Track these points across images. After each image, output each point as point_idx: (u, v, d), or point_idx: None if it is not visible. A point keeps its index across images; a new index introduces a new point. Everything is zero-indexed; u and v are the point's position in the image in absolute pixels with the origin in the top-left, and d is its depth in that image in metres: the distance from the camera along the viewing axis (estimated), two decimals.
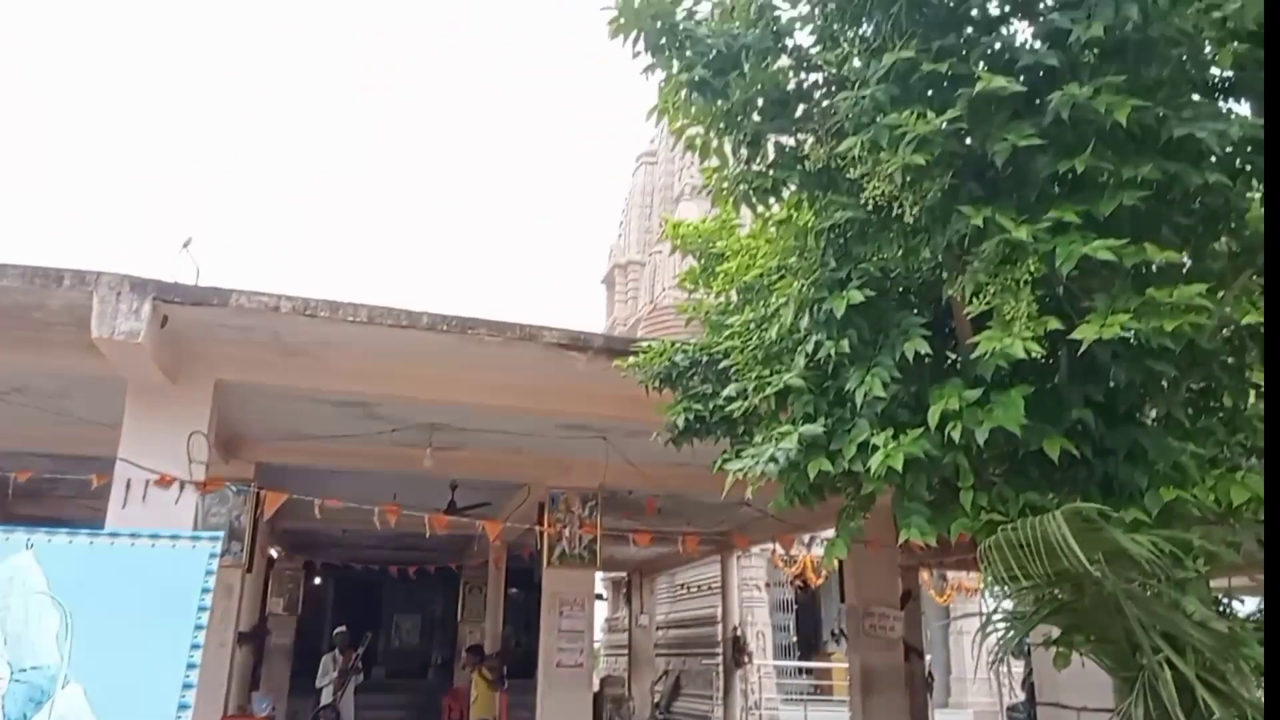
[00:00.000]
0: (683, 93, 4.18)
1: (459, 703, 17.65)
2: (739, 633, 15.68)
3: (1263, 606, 3.97)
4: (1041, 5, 3.79)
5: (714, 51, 4.12)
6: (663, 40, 4.20)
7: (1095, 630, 3.85)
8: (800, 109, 4.55)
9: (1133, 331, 3.31)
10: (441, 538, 16.83)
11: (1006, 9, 3.87)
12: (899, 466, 3.74)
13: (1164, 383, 3.95)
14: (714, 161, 4.74)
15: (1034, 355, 3.23)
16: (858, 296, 4.04)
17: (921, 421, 3.91)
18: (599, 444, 8.86)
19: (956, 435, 3.71)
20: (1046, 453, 3.78)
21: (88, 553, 3.91)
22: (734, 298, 5.72)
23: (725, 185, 4.64)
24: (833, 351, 4.07)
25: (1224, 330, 3.89)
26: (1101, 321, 3.19)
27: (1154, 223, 3.45)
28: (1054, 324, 3.33)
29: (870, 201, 3.73)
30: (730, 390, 4.90)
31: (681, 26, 4.11)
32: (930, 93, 3.73)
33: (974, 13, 3.94)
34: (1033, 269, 3.27)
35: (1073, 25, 3.44)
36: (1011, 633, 4.03)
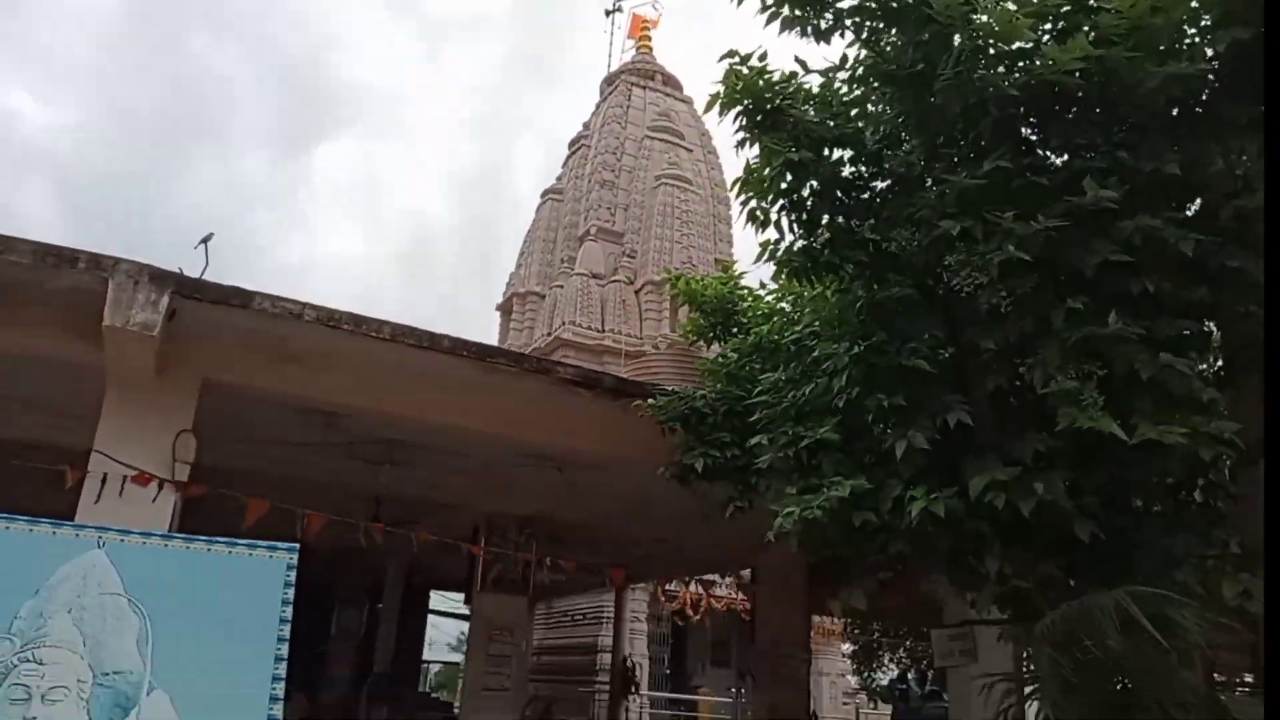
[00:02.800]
0: (779, 170, 4.54)
1: None
2: (629, 662, 15.92)
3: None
4: (1099, 140, 4.36)
5: (813, 135, 4.52)
6: (761, 118, 4.58)
7: (1089, 695, 4.35)
8: (858, 197, 5.03)
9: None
10: (318, 551, 16.36)
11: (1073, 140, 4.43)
12: (941, 514, 4.18)
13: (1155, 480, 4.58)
14: (772, 234, 5.14)
15: (1110, 432, 3.70)
16: (911, 362, 4.47)
17: (950, 487, 4.37)
18: (537, 473, 9.00)
19: (999, 503, 4.18)
20: (1062, 532, 4.33)
21: (160, 556, 3.78)
22: (750, 354, 6.11)
23: (784, 257, 5.05)
24: (885, 404, 4.48)
25: None
26: (1154, 428, 3.74)
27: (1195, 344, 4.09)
28: (1110, 422, 3.85)
29: (943, 290, 4.21)
30: (760, 440, 5.26)
31: (787, 111, 4.50)
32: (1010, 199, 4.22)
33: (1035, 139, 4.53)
34: (1104, 368, 3.81)
35: (1137, 161, 4.03)
36: (1013, 695, 4.53)
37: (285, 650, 3.72)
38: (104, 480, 5.84)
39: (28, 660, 3.40)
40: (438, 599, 22.34)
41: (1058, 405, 3.85)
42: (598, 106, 27.15)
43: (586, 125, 27.08)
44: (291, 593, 3.87)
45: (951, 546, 4.59)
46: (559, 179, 26.96)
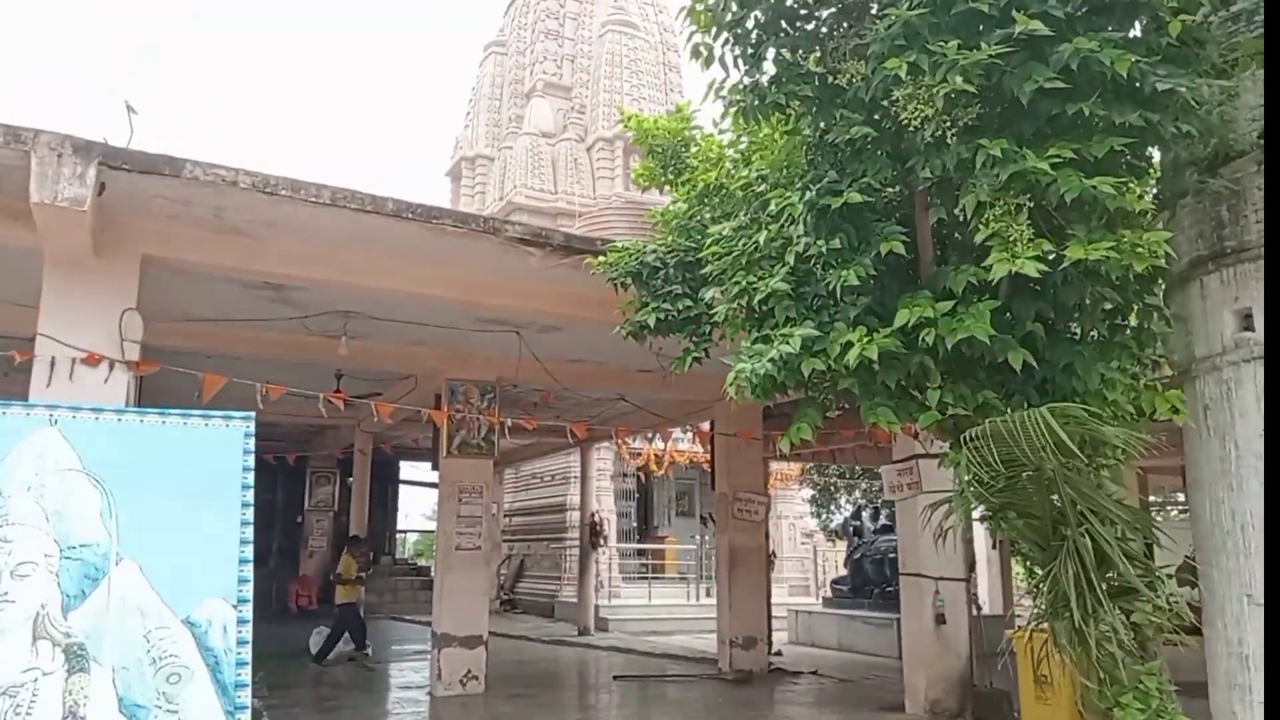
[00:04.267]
0: None
1: (306, 589, 17.62)
2: (597, 518, 16.51)
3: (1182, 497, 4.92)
4: None
5: None
6: None
7: (1023, 509, 4.62)
8: (803, 28, 4.89)
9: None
10: (289, 428, 16.49)
11: None
12: (874, 357, 4.33)
13: (1089, 304, 4.73)
14: (718, 74, 5.00)
15: (1039, 272, 3.82)
16: (856, 197, 4.49)
17: (890, 327, 4.50)
18: (497, 338, 9.04)
19: (930, 340, 4.32)
20: (999, 360, 4.49)
21: (115, 431, 3.79)
22: (699, 202, 6.05)
23: (729, 96, 4.94)
24: (823, 249, 4.53)
25: None
26: (1084, 248, 3.83)
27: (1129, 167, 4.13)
28: (1045, 246, 3.94)
29: (891, 124, 4.16)
30: (712, 294, 5.29)
31: None
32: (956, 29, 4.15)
33: None
34: (1032, 197, 3.86)
35: None
36: (952, 511, 4.80)
37: (250, 515, 3.79)
38: (53, 363, 5.76)
39: None
40: (409, 470, 22.80)
41: (990, 248, 3.91)
42: None
43: None
44: (251, 460, 3.92)
45: (895, 382, 4.74)
46: (501, 31, 25.79)
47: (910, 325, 4.38)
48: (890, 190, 4.85)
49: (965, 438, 4.22)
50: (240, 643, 3.63)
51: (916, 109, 3.96)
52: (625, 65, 22.20)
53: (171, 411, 3.92)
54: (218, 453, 3.87)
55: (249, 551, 3.74)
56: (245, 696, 3.55)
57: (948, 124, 3.95)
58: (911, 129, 4.05)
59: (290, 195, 5.64)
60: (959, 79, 3.76)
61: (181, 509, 3.70)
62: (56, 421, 3.69)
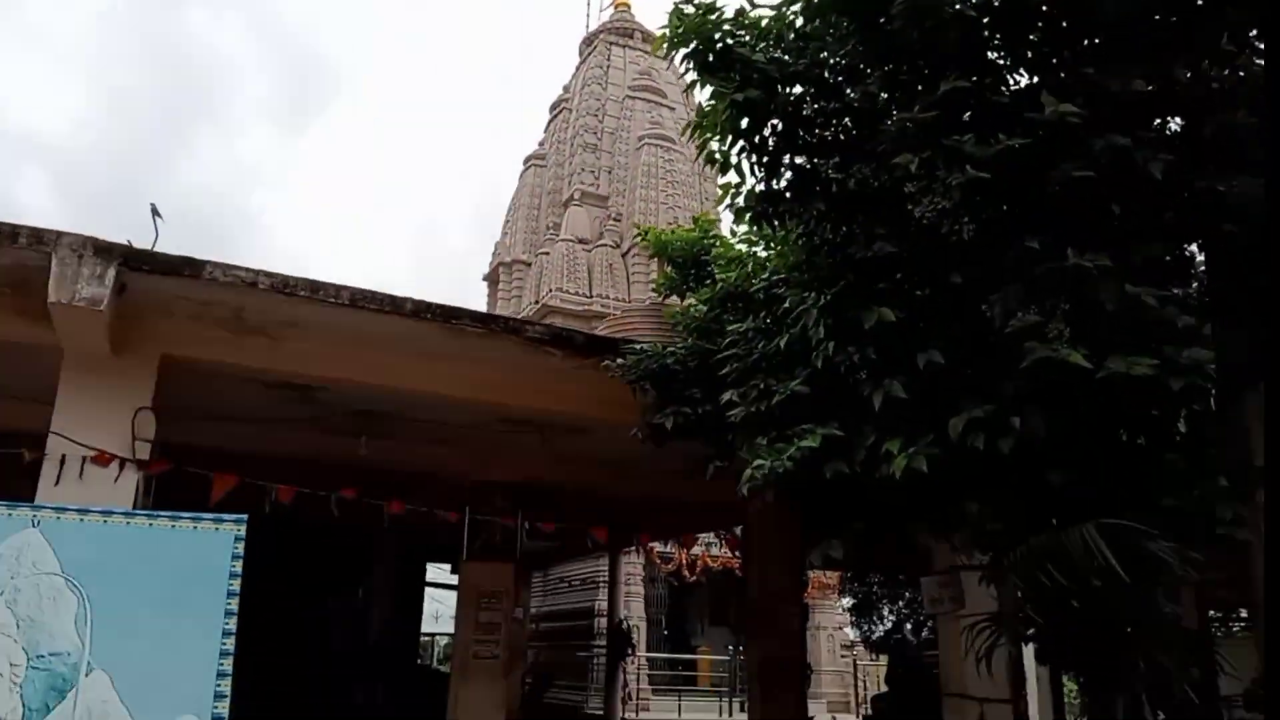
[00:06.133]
0: (729, 111, 4.35)
1: None
2: (625, 625, 15.94)
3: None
4: (1067, 56, 4.15)
5: (763, 74, 4.31)
6: (710, 59, 4.37)
7: (1074, 631, 4.25)
8: (819, 134, 4.83)
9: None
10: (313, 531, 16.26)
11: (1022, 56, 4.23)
12: (923, 468, 4.02)
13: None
14: (733, 178, 4.95)
15: (1084, 365, 3.55)
16: (889, 315, 4.25)
17: (931, 431, 4.20)
18: (522, 439, 8.88)
19: (979, 444, 4.01)
20: (1037, 475, 4.19)
21: (100, 533, 3.66)
22: (720, 304, 5.93)
23: (744, 202, 4.86)
24: (856, 359, 4.32)
25: None
26: (1123, 359, 3.58)
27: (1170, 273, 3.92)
28: (1075, 354, 3.70)
29: (913, 226, 4.02)
30: (730, 395, 5.10)
31: (735, 50, 4.29)
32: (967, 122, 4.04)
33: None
34: (1069, 299, 3.65)
35: (1103, 78, 3.82)
36: (997, 634, 4.44)
37: (233, 624, 3.59)
38: (62, 462, 5.70)
39: None
40: (436, 572, 22.37)
41: (1022, 341, 3.69)
42: (577, 68, 26.73)
43: (567, 88, 26.68)
44: (239, 565, 3.74)
45: (930, 494, 4.46)
46: (541, 144, 26.61)
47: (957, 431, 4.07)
48: (917, 292, 4.67)
49: (1010, 558, 3.90)
50: None
51: (932, 202, 3.82)
52: (661, 176, 22.67)
53: (160, 514, 3.79)
54: (205, 558, 3.70)
55: (229, 664, 3.52)
56: None
57: (966, 219, 3.80)
58: (926, 223, 3.88)
59: (309, 296, 5.62)
60: (970, 168, 3.61)
61: (161, 616, 3.53)
62: (39, 523, 3.56)
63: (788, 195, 4.71)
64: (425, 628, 24.04)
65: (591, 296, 21.68)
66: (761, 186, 4.79)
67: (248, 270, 5.51)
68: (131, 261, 5.29)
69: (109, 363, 5.94)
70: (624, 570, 16.85)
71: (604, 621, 17.11)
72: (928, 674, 13.32)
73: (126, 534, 3.67)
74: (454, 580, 22.16)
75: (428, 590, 22.57)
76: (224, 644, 3.55)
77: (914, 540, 7.34)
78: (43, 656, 3.31)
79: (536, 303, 22.29)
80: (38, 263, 5.21)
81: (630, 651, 16.09)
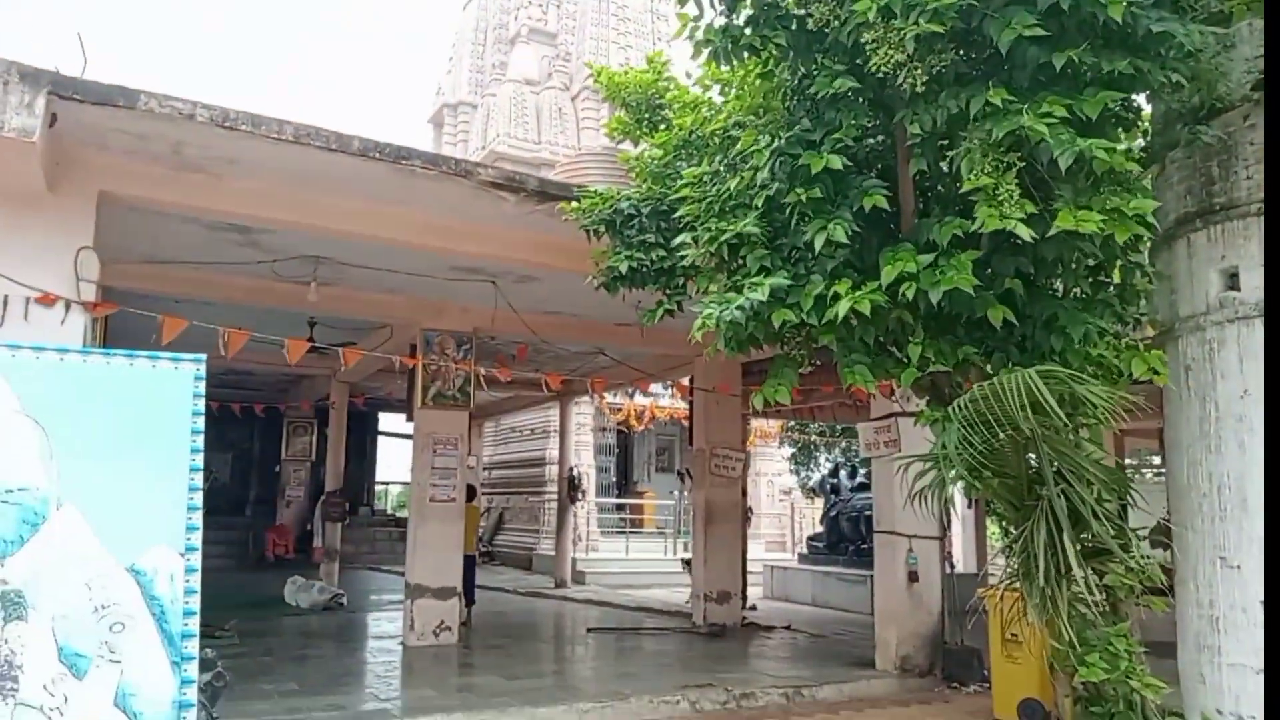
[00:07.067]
0: None
1: (283, 537, 17.57)
2: (575, 472, 16.47)
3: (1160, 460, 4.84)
4: None
5: None
6: None
7: (999, 469, 4.53)
8: None
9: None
10: (266, 377, 16.26)
11: None
12: (866, 311, 4.19)
13: (1071, 261, 4.59)
14: (692, 10, 4.80)
15: (1027, 235, 3.68)
16: (836, 162, 4.32)
17: (872, 280, 4.35)
18: (473, 288, 8.85)
19: (910, 294, 4.19)
20: (978, 317, 4.37)
21: (58, 371, 3.61)
22: (676, 149, 5.86)
23: (705, 37, 4.73)
24: (803, 197, 4.36)
25: None
26: (1073, 216, 3.68)
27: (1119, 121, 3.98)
28: (1030, 208, 3.80)
29: (873, 70, 3.98)
30: (683, 239, 5.13)
31: None
32: None
33: None
34: (1022, 155, 3.71)
35: None
36: (937, 474, 4.70)
37: (199, 461, 3.64)
38: (5, 302, 5.56)
39: None
40: (389, 421, 22.65)
41: (976, 204, 3.77)
42: None
43: None
44: (202, 404, 3.75)
45: (874, 338, 4.62)
46: None
47: (889, 280, 4.24)
48: (870, 141, 4.68)
49: (956, 406, 4.09)
50: (188, 592, 3.50)
51: (886, 54, 3.78)
52: (612, 12, 21.69)
53: (116, 352, 3.75)
54: (165, 397, 3.70)
55: (198, 499, 3.59)
56: (192, 647, 3.44)
57: (919, 71, 3.78)
58: (881, 75, 3.87)
59: (250, 131, 5.41)
60: (924, 20, 3.57)
61: (126, 454, 3.54)
62: None
63: (747, 31, 4.59)
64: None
65: (540, 142, 21.11)
66: (722, 20, 4.65)
67: (185, 101, 5.26)
68: (61, 89, 5.00)
69: (45, 200, 5.71)
70: (574, 420, 17.24)
71: (554, 469, 17.63)
72: (859, 514, 14.14)
73: (84, 372, 3.63)
74: (403, 429, 22.59)
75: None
76: (192, 479, 3.61)
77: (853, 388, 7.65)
78: (10, 491, 3.33)
79: (484, 148, 21.66)
80: None
81: (580, 496, 16.69)
